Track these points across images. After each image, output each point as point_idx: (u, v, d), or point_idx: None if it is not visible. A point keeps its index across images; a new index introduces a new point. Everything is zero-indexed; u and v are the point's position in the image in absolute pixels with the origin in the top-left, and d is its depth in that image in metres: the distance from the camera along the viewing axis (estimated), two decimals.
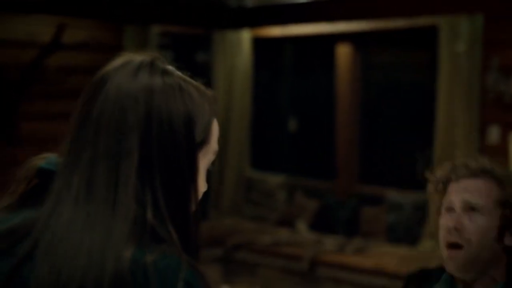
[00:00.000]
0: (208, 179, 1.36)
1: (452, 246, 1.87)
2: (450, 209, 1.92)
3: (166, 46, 7.16)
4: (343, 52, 6.93)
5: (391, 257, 5.94)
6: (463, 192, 1.90)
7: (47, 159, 1.26)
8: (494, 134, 5.81)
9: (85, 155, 1.18)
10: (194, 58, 8.13)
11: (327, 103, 7.24)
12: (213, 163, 1.34)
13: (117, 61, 1.26)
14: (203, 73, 7.48)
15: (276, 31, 7.25)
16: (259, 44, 7.43)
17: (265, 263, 6.34)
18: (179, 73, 1.27)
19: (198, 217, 1.31)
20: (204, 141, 1.27)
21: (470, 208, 1.89)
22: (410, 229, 6.31)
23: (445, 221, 1.90)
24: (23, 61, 5.96)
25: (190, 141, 1.22)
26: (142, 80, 1.21)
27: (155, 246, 1.15)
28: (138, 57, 1.26)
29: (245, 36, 7.32)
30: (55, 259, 1.12)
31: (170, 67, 1.27)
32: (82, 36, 6.22)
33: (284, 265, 6.21)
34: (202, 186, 1.30)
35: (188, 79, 1.28)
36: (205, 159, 1.28)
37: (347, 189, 6.96)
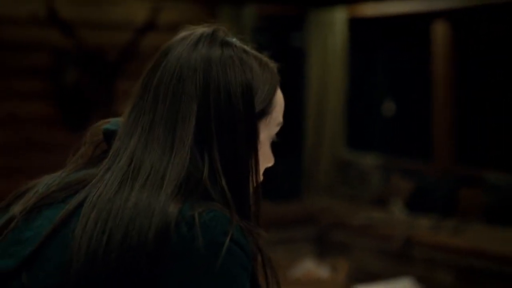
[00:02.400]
0: (275, 153, 1.36)
1: None
2: None
3: (260, 28, 7.18)
4: (440, 30, 6.78)
5: (488, 238, 5.80)
6: None
7: (112, 121, 1.31)
8: None
9: (144, 119, 1.23)
10: (288, 40, 8.13)
11: (422, 83, 7.12)
12: (277, 135, 1.36)
13: (180, 34, 1.30)
14: (297, 54, 7.51)
15: (370, 10, 7.16)
16: (353, 24, 7.36)
17: (358, 243, 6.30)
18: (240, 44, 1.30)
19: (259, 191, 1.32)
20: (265, 112, 1.29)
21: None
22: (508, 210, 6.15)
23: None
24: (120, 42, 6.10)
25: (248, 110, 1.24)
26: (201, 51, 1.25)
27: (205, 202, 1.15)
28: (200, 29, 1.30)
29: (340, 16, 7.26)
30: (102, 211, 1.13)
31: (231, 38, 1.30)
32: (176, 18, 6.30)
33: (377, 245, 6.15)
34: (266, 158, 1.33)
35: (249, 50, 1.30)
36: (267, 130, 1.30)
37: (444, 170, 6.83)
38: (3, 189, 1.33)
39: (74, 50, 5.95)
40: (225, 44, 1.27)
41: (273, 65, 1.33)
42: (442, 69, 6.81)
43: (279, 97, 1.33)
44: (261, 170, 1.31)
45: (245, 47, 1.30)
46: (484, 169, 6.49)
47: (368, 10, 7.19)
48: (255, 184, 1.27)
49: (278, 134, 1.37)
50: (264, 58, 1.32)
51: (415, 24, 7.21)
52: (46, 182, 1.28)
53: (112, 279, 1.09)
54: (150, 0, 6.18)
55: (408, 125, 7.50)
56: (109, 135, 1.28)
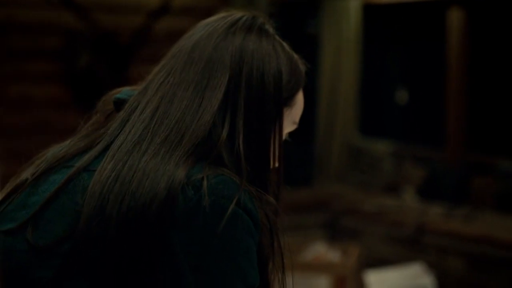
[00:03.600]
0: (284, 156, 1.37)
1: None
2: None
3: (274, 14, 7.16)
4: (455, 17, 6.75)
5: (500, 226, 5.79)
6: None
7: (123, 90, 1.33)
8: None
9: (174, 77, 1.25)
10: (302, 27, 8.11)
11: (436, 70, 7.09)
12: (290, 135, 1.40)
13: (219, 15, 1.34)
14: (311, 41, 7.49)
15: None
16: (368, 11, 7.33)
17: (369, 229, 6.30)
18: (277, 37, 1.34)
19: (281, 173, 1.35)
20: (287, 102, 1.32)
21: None
22: None
23: None
24: (133, 25, 6.10)
25: (277, 91, 1.27)
26: (240, 31, 1.29)
27: (215, 167, 1.16)
28: (240, 13, 1.34)
29: (354, 3, 7.23)
30: (119, 162, 1.14)
31: (270, 28, 1.34)
32: (190, 2, 6.30)
33: (389, 232, 6.15)
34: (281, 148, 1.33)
35: (285, 45, 1.35)
36: (284, 121, 1.32)
37: (456, 157, 6.81)
38: (15, 171, 1.33)
39: (87, 33, 5.95)
40: (264, 31, 1.32)
41: (302, 66, 1.38)
42: (456, 56, 6.78)
43: (300, 97, 1.37)
44: (280, 151, 1.32)
45: (282, 41, 1.35)
46: (497, 157, 6.47)
47: None
48: (276, 163, 1.30)
49: (290, 134, 1.40)
50: (296, 56, 1.37)
51: (430, 12, 7.17)
52: (54, 150, 1.29)
53: (120, 231, 1.09)
54: None
55: (421, 113, 7.48)
56: (119, 104, 1.29)
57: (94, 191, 1.12)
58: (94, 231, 1.10)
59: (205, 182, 1.11)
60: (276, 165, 1.31)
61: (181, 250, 1.08)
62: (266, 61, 1.26)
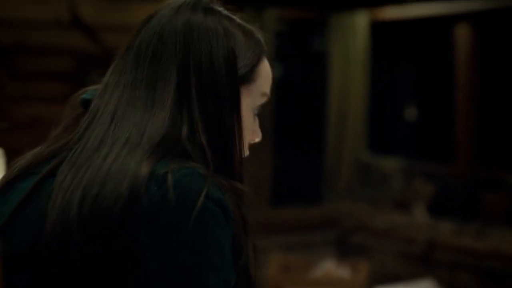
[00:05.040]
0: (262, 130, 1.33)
1: None
2: None
3: (282, 32, 7.19)
4: (462, 33, 6.76)
5: (511, 242, 5.77)
6: None
7: (89, 90, 1.31)
8: None
9: (125, 78, 1.23)
10: (310, 44, 8.14)
11: (444, 86, 7.09)
12: (263, 106, 1.33)
13: (167, 1, 1.30)
14: (319, 58, 7.50)
15: (392, 13, 7.14)
16: (375, 28, 7.35)
17: (379, 246, 6.29)
18: (225, 12, 1.29)
19: (243, 164, 1.27)
20: (247, 78, 1.26)
21: None
22: None
23: None
24: None
25: (230, 73, 1.23)
26: (183, 14, 1.25)
27: (180, 160, 1.14)
28: None
29: (362, 20, 7.25)
30: (80, 168, 1.13)
31: (216, 7, 1.29)
32: None
33: (399, 249, 6.13)
34: (250, 127, 1.30)
35: (235, 18, 1.29)
36: (249, 98, 1.27)
37: (466, 173, 6.79)
38: None
39: (97, 54, 5.99)
40: (208, 10, 1.27)
41: (259, 34, 1.30)
42: (465, 72, 6.79)
43: (265, 68, 1.30)
44: (246, 140, 1.28)
45: (231, 15, 1.29)
46: (507, 173, 6.45)
47: (390, 14, 7.18)
48: (240, 151, 1.24)
49: (265, 106, 1.34)
50: (249, 27, 1.29)
51: (438, 28, 7.19)
52: (27, 157, 1.28)
53: (84, 236, 1.08)
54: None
55: (430, 129, 7.48)
56: (86, 105, 1.27)
57: (55, 199, 1.11)
58: (59, 237, 1.09)
59: (169, 176, 1.08)
60: (240, 148, 1.25)
61: (149, 248, 1.06)
62: (214, 42, 1.22)
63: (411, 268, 6.03)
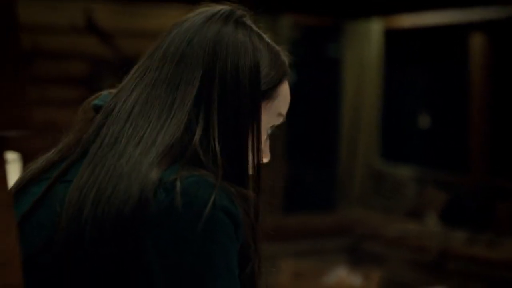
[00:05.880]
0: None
1: None
2: None
3: (296, 39, 7.20)
4: (477, 42, 6.75)
5: None
6: None
7: (101, 95, 1.31)
8: None
9: (149, 76, 1.23)
10: (324, 51, 8.14)
11: (458, 95, 7.08)
12: (278, 127, 1.33)
13: (199, 9, 1.30)
14: (333, 65, 7.52)
15: (406, 21, 7.14)
16: (390, 35, 7.35)
17: (392, 254, 6.28)
18: (256, 28, 1.29)
19: (260, 174, 1.27)
20: (267, 95, 1.27)
21: None
22: None
23: None
24: None
25: (254, 86, 1.23)
26: (216, 24, 1.25)
27: (190, 167, 1.13)
28: (218, 6, 1.30)
29: (376, 27, 7.26)
30: (96, 166, 1.14)
31: (248, 21, 1.29)
32: None
33: (411, 257, 6.12)
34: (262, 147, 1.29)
35: (264, 36, 1.29)
36: (265, 115, 1.28)
37: (479, 182, 6.77)
38: None
39: (112, 59, 6.02)
40: (240, 23, 1.27)
41: (285, 57, 1.31)
42: (479, 81, 6.77)
43: (285, 89, 1.31)
44: (260, 148, 1.27)
45: (261, 32, 1.29)
46: None
47: (405, 22, 7.17)
48: (256, 163, 1.25)
49: (279, 127, 1.35)
50: (277, 47, 1.30)
51: (452, 36, 7.18)
52: (38, 161, 1.29)
53: (95, 236, 1.08)
54: (188, 10, 6.23)
55: (443, 137, 7.46)
56: (98, 111, 1.26)
57: (71, 198, 1.12)
58: (72, 236, 1.10)
59: (178, 183, 1.08)
60: (258, 160, 1.25)
61: (154, 253, 1.06)
62: (242, 54, 1.22)
63: (423, 277, 6.02)
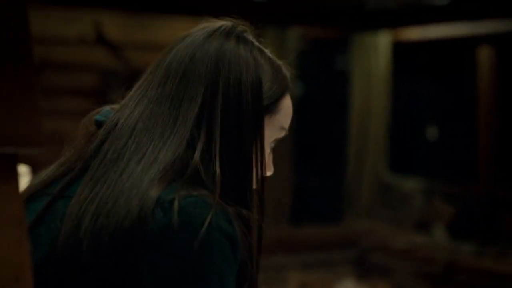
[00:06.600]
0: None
1: None
2: None
3: (304, 51, 7.22)
4: (484, 55, 6.76)
5: None
6: None
7: (103, 111, 1.31)
8: None
9: (151, 93, 1.24)
10: (332, 63, 8.16)
11: (465, 107, 7.08)
12: (280, 140, 1.34)
13: (200, 25, 1.31)
14: (341, 77, 7.53)
15: (414, 34, 7.16)
16: (398, 48, 7.36)
17: (399, 266, 6.27)
18: (257, 44, 1.31)
19: (264, 188, 1.27)
20: (269, 109, 1.27)
21: None
22: None
23: None
24: None
25: (256, 101, 1.24)
26: (218, 40, 1.26)
27: (190, 186, 1.13)
28: (220, 22, 1.31)
29: (384, 40, 7.28)
30: (98, 181, 1.15)
31: (249, 37, 1.30)
32: None
33: (419, 269, 6.11)
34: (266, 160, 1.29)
35: (265, 51, 1.31)
36: (268, 129, 1.28)
37: (487, 194, 6.77)
38: None
39: (121, 71, 6.05)
40: (241, 38, 1.28)
41: (286, 71, 1.32)
42: (486, 93, 6.78)
43: (287, 103, 1.32)
44: (264, 163, 1.27)
45: (262, 47, 1.31)
46: None
47: (412, 34, 7.19)
48: (259, 178, 1.25)
49: (281, 141, 1.35)
50: (278, 62, 1.32)
51: (460, 49, 7.19)
52: (40, 176, 1.30)
53: (93, 251, 1.09)
54: (196, 22, 6.26)
55: (451, 149, 7.46)
56: (100, 126, 1.27)
57: (71, 212, 1.13)
58: (71, 248, 1.11)
59: (176, 203, 1.08)
60: (262, 174, 1.26)
61: (149, 271, 1.07)
62: (244, 69, 1.23)
63: None
